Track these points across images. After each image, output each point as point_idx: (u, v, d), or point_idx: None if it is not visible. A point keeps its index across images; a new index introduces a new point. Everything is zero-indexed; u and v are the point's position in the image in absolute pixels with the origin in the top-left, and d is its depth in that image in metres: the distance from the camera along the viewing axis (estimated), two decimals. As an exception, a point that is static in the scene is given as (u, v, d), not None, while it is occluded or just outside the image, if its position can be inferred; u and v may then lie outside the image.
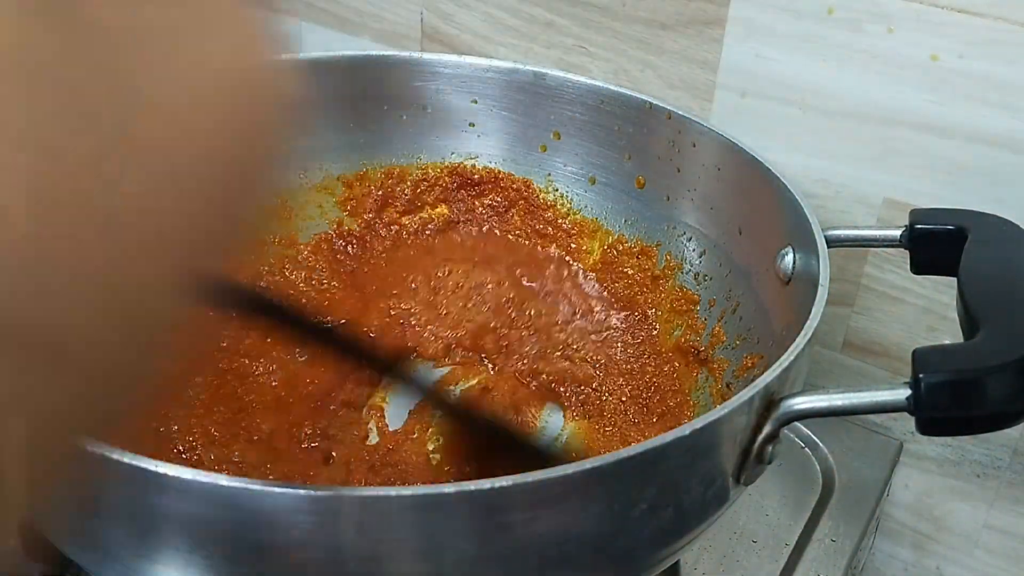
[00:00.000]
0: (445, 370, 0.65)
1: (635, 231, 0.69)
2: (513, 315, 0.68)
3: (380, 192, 0.71)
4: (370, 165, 0.73)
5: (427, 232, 0.72)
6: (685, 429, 0.39)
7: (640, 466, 0.38)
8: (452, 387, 0.64)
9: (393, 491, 0.35)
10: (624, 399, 0.62)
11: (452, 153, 0.73)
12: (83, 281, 0.20)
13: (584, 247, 0.71)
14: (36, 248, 0.19)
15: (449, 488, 0.36)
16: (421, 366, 0.64)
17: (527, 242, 0.71)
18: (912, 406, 0.40)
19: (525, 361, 0.65)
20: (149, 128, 0.21)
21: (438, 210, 0.73)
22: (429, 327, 0.67)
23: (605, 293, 0.68)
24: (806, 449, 0.69)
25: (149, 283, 0.22)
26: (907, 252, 0.54)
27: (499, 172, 0.72)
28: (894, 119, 0.63)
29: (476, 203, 0.72)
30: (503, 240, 0.71)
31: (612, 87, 0.67)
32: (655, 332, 0.66)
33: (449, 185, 0.72)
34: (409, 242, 0.71)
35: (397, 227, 0.71)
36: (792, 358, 0.44)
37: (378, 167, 0.72)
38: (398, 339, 0.65)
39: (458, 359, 0.66)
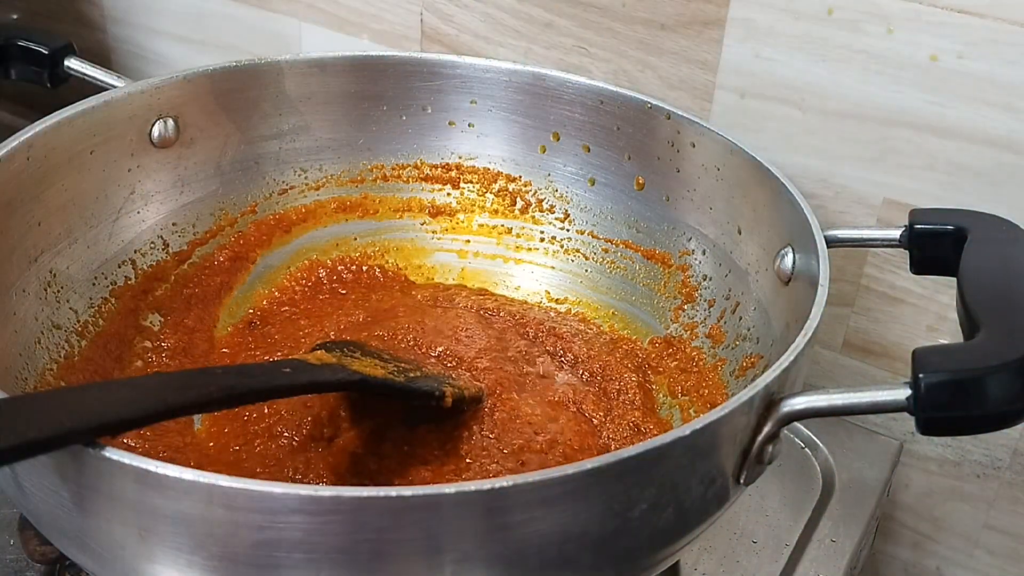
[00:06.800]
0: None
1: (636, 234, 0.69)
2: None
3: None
4: (369, 167, 0.73)
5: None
6: (685, 429, 0.39)
7: (640, 466, 0.38)
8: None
9: (394, 491, 0.35)
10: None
11: (452, 153, 0.73)
12: None
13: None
14: None
15: (449, 488, 0.36)
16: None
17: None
18: (912, 406, 0.40)
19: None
20: None
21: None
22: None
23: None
24: (806, 449, 0.69)
25: None
26: (907, 252, 0.54)
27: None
28: (894, 119, 0.63)
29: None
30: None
31: (612, 87, 0.67)
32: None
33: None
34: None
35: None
36: (792, 358, 0.44)
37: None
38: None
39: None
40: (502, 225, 0.73)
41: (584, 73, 0.71)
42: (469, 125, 0.72)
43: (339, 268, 0.73)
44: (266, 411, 0.58)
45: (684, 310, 0.66)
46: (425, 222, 0.74)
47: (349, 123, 0.72)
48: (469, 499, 0.36)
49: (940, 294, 0.66)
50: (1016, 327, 0.42)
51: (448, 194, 0.74)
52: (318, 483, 0.53)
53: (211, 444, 0.57)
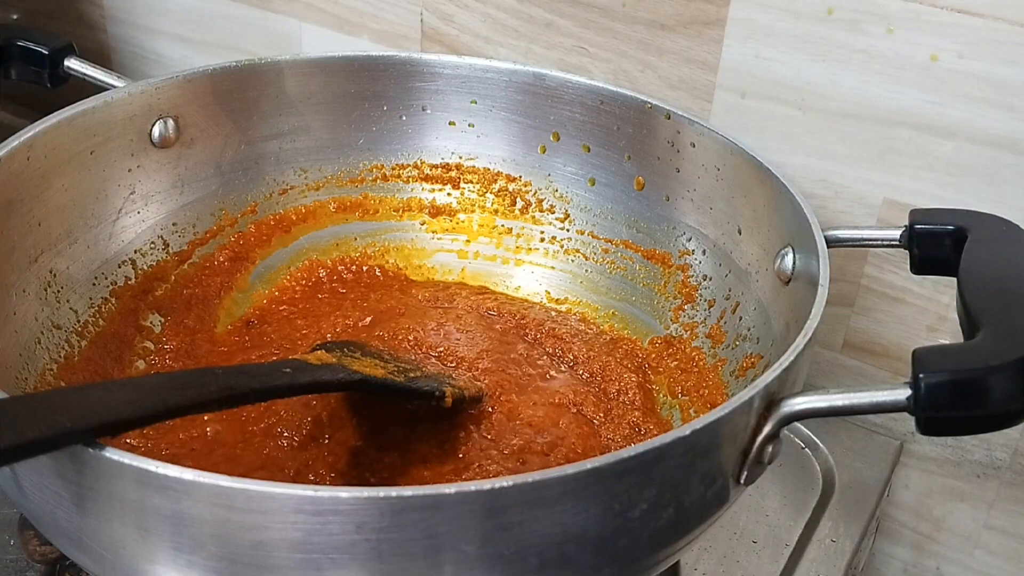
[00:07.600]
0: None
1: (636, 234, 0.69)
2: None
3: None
4: (369, 167, 0.73)
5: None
6: (685, 429, 0.39)
7: (640, 466, 0.38)
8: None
9: (394, 491, 0.35)
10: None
11: (452, 153, 0.73)
12: None
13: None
14: None
15: (449, 488, 0.36)
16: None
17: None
18: (912, 406, 0.40)
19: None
20: None
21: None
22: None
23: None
24: (806, 449, 0.69)
25: None
26: (907, 252, 0.54)
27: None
28: (894, 119, 0.63)
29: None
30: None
31: (611, 87, 0.67)
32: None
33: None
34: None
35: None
36: (792, 358, 0.44)
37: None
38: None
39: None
40: (502, 225, 0.73)
41: (584, 73, 0.71)
42: (469, 125, 0.72)
43: (339, 268, 0.73)
44: (266, 411, 0.58)
45: (684, 310, 0.66)
46: (425, 222, 0.74)
47: (349, 123, 0.72)
48: (469, 499, 0.36)
49: (940, 294, 0.66)
50: (1016, 327, 0.42)
51: (448, 194, 0.74)
52: (318, 483, 0.53)
53: (211, 443, 0.57)
